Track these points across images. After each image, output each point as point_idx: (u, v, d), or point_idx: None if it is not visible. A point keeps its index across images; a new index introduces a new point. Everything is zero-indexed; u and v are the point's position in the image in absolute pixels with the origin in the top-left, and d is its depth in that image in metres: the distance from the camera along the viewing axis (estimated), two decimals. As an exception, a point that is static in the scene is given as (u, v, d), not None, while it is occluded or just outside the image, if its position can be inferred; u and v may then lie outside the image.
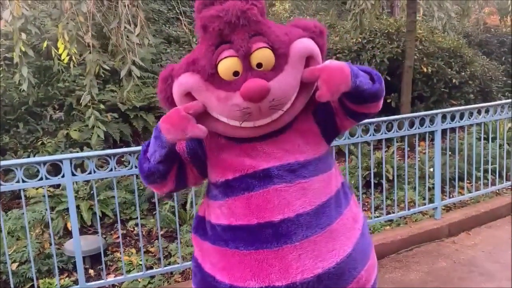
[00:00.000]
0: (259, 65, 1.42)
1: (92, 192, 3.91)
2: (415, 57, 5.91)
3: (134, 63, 3.57)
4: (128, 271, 3.18)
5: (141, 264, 3.19)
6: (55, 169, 2.88)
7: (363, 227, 1.67)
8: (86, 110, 4.13)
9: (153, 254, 3.51)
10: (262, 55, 1.42)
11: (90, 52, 3.60)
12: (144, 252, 3.26)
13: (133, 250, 3.55)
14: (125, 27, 3.45)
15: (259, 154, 1.53)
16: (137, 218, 3.52)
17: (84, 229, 3.75)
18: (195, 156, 1.62)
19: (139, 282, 3.14)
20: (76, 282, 3.05)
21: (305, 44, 1.49)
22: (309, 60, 1.50)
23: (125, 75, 3.69)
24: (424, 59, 6.18)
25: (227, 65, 1.41)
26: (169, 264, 3.28)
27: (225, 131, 1.52)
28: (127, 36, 3.57)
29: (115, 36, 3.76)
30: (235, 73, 1.42)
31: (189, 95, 1.48)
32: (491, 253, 3.66)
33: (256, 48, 1.41)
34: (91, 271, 3.32)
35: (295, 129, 1.57)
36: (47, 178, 2.69)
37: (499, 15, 10.57)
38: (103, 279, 3.02)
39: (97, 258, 3.35)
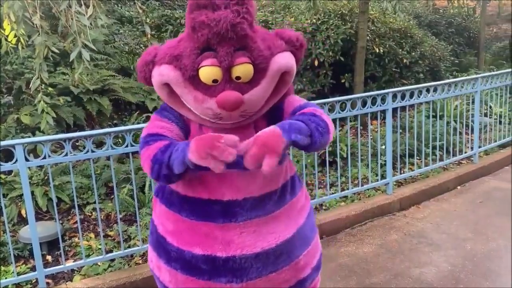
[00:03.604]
0: (238, 77, 1.52)
1: (46, 177, 3.83)
2: (368, 37, 6.05)
3: (85, 45, 3.47)
4: (88, 256, 3.16)
5: (100, 248, 3.18)
6: (5, 155, 2.80)
7: (308, 217, 1.83)
8: (37, 94, 3.98)
9: (112, 238, 3.50)
10: (243, 70, 1.51)
11: (39, 34, 3.47)
12: (103, 236, 3.25)
13: (92, 235, 3.53)
14: (75, 9, 3.34)
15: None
16: (94, 202, 3.49)
17: (40, 215, 3.68)
18: (179, 133, 1.72)
19: (99, 266, 3.13)
20: (33, 268, 3.01)
21: (285, 60, 1.60)
22: (284, 74, 1.62)
23: (75, 58, 3.58)
24: (376, 39, 6.33)
25: (208, 72, 1.50)
26: (129, 247, 3.28)
27: (195, 119, 1.66)
28: (77, 18, 3.46)
29: (65, 17, 3.63)
30: (214, 81, 1.51)
31: (167, 85, 1.59)
32: (439, 224, 3.88)
33: (238, 62, 1.50)
34: (48, 257, 3.27)
35: (254, 122, 1.69)
36: (-1, 164, 2.62)
37: (447, -3, 10.90)
38: (61, 265, 2.99)
39: (54, 244, 3.31)
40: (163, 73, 1.57)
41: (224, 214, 1.64)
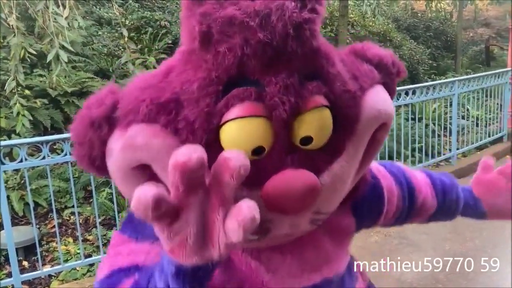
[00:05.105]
0: (307, 139, 0.61)
1: (22, 181, 3.75)
2: (348, 41, 6.10)
3: (63, 47, 3.43)
4: (66, 261, 3.11)
5: (79, 253, 3.13)
6: (-20, 158, 2.73)
7: None
8: (12, 96, 3.91)
9: (91, 242, 3.44)
10: (318, 121, 0.61)
11: (14, 35, 3.41)
12: (82, 241, 3.19)
13: (70, 239, 3.47)
14: (52, 9, 3.29)
15: (264, 262, 0.78)
16: (72, 206, 3.43)
17: (16, 220, 3.59)
18: None
19: (78, 271, 3.08)
20: (9, 275, 2.94)
21: (383, 103, 0.73)
22: (380, 128, 0.76)
23: (53, 59, 3.53)
24: (356, 43, 6.40)
25: (246, 133, 0.59)
26: (108, 251, 3.23)
27: None
28: (55, 18, 3.41)
29: (42, 18, 3.58)
30: (257, 150, 0.60)
31: (144, 168, 0.61)
32: (418, 225, 3.91)
33: (310, 107, 0.60)
34: (25, 263, 3.20)
35: (323, 225, 0.82)
36: (-27, 168, 2.56)
37: (426, 1, 11.10)
38: (38, 270, 2.93)
39: (31, 249, 3.24)
40: (138, 143, 0.59)
41: None
